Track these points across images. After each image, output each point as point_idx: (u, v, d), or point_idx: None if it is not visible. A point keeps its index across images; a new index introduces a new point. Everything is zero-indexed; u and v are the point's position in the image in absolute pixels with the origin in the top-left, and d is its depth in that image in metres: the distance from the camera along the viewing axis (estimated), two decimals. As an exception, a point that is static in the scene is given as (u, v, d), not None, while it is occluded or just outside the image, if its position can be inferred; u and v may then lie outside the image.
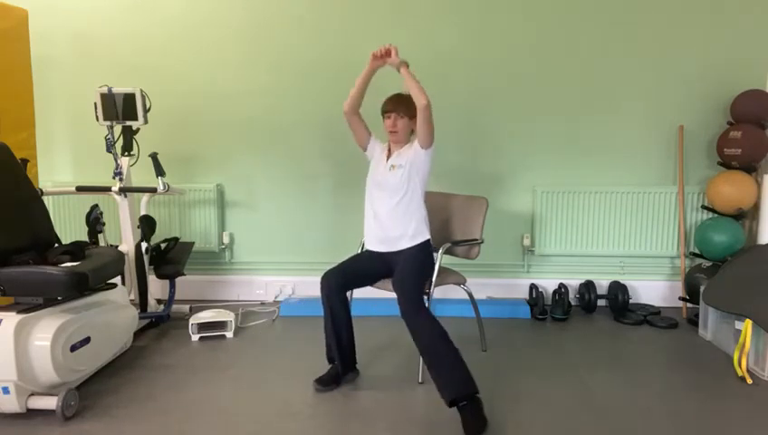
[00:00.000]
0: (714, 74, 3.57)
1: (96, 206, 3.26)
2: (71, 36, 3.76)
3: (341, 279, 2.53)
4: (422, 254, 2.60)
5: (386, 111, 2.63)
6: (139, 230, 3.26)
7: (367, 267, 2.64)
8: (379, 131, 2.71)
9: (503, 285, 3.81)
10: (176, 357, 2.86)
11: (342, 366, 2.56)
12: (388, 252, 2.64)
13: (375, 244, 2.70)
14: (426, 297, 2.49)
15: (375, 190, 2.67)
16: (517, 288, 3.81)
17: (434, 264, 2.61)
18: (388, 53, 2.50)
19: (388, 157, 2.68)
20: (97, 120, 3.21)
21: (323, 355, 2.71)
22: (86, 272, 2.28)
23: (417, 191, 2.63)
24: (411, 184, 2.59)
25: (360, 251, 2.86)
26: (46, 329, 2.18)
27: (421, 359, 2.56)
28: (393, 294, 2.57)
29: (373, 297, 3.41)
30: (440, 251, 2.64)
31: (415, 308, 2.31)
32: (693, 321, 3.36)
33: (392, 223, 2.61)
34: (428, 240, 2.63)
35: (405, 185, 2.58)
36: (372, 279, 2.67)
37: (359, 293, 2.98)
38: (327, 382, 2.52)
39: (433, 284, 2.58)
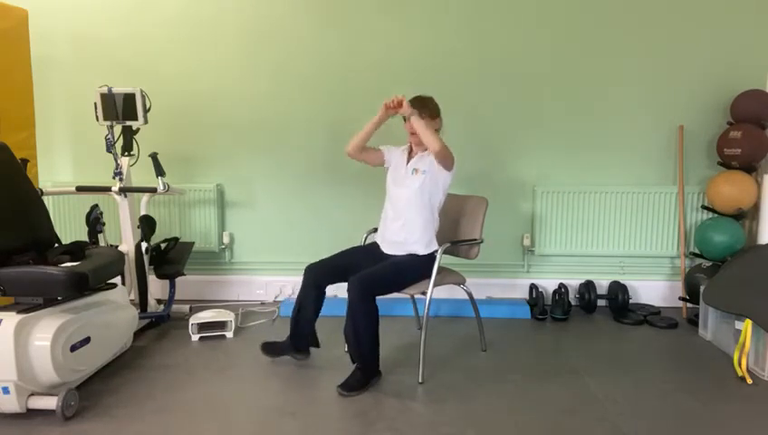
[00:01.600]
0: (714, 74, 3.57)
1: (96, 206, 3.26)
2: (71, 36, 3.76)
3: (322, 273, 2.64)
4: (418, 264, 2.61)
5: None
6: (139, 230, 3.26)
7: (364, 264, 2.62)
8: (393, 141, 2.72)
9: (503, 285, 3.81)
10: (176, 357, 2.86)
11: (298, 345, 2.73)
12: (391, 254, 2.67)
13: (383, 244, 2.73)
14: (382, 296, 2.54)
15: (394, 192, 2.69)
16: (517, 288, 3.81)
17: (425, 275, 2.61)
18: (399, 104, 2.54)
19: (409, 159, 2.69)
20: (97, 120, 3.21)
21: (323, 355, 2.72)
22: (86, 272, 2.28)
23: (436, 199, 2.66)
24: (432, 190, 2.63)
25: (363, 243, 2.88)
26: (46, 329, 2.18)
27: (421, 359, 2.58)
28: (393, 294, 2.58)
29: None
30: (440, 251, 2.64)
31: (365, 296, 2.40)
32: (693, 321, 3.36)
33: (404, 227, 2.63)
34: (432, 254, 2.64)
35: (425, 190, 2.61)
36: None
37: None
38: (274, 352, 2.74)
39: (432, 284, 2.58)
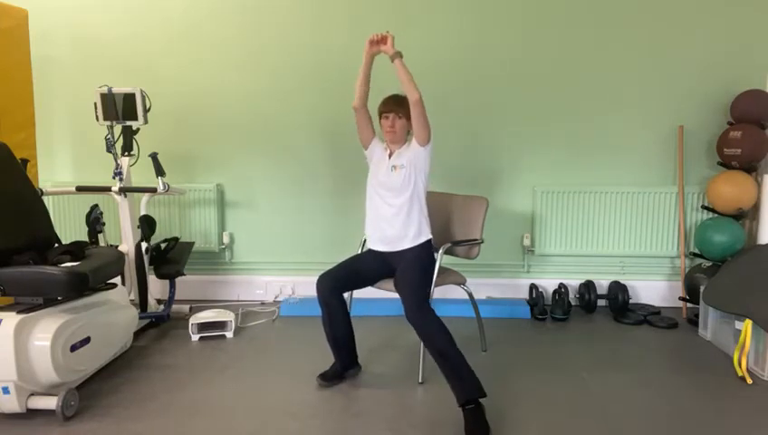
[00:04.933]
0: (714, 74, 3.57)
1: (96, 206, 3.26)
2: (71, 36, 3.76)
3: (335, 282, 2.55)
4: (424, 253, 2.60)
5: (384, 111, 2.63)
6: (139, 230, 3.26)
7: (366, 268, 2.64)
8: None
9: (503, 285, 3.81)
10: (176, 357, 2.86)
11: (341, 364, 2.59)
12: (389, 252, 2.65)
13: (377, 244, 2.70)
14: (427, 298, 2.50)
15: (378, 191, 2.67)
16: (517, 288, 3.81)
17: (434, 263, 2.60)
18: (383, 40, 2.48)
19: (390, 158, 2.68)
20: (97, 120, 3.21)
21: (323, 355, 2.72)
22: (86, 272, 2.29)
23: (420, 191, 2.63)
24: (414, 184, 2.59)
25: (360, 251, 2.86)
26: (46, 329, 2.18)
27: (421, 359, 2.58)
28: (393, 294, 2.58)
29: (373, 297, 3.41)
30: (440, 251, 2.64)
31: (422, 310, 2.31)
32: (693, 321, 3.36)
33: (395, 224, 2.62)
34: (430, 240, 2.64)
35: (408, 185, 2.58)
36: (372, 280, 2.67)
37: (359, 293, 2.98)
38: (330, 378, 2.55)
39: (433, 283, 2.58)
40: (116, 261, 2.61)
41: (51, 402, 2.17)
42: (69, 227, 3.83)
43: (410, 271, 2.50)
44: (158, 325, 3.36)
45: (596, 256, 3.73)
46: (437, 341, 2.27)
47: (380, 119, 2.64)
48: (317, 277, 2.56)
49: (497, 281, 3.81)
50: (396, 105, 2.60)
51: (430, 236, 2.65)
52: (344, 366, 2.60)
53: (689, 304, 3.55)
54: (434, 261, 2.61)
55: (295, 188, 3.81)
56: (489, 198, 2.91)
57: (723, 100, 3.57)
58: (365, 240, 2.98)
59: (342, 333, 2.57)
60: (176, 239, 3.47)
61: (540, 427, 2.16)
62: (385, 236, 2.67)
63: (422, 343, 2.32)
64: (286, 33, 3.69)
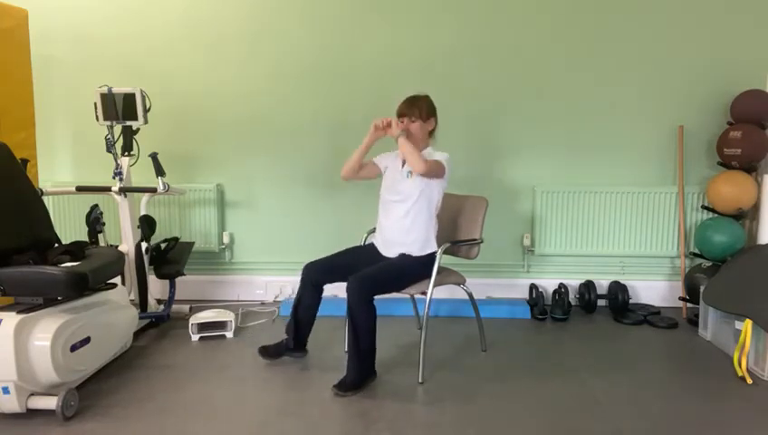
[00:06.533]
0: (714, 74, 3.57)
1: (96, 206, 3.26)
2: (71, 36, 3.76)
3: (319, 275, 2.65)
4: (416, 265, 2.61)
5: (400, 114, 2.66)
6: (139, 230, 3.26)
7: (359, 262, 2.62)
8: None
9: (503, 285, 3.81)
10: (176, 357, 2.86)
11: (288, 345, 2.73)
12: (389, 256, 2.67)
13: (381, 246, 2.73)
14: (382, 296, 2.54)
15: (388, 195, 2.70)
16: (517, 288, 3.81)
17: (424, 275, 2.60)
18: (389, 125, 2.58)
19: (404, 162, 2.69)
20: (97, 120, 3.21)
21: (323, 355, 2.71)
22: (86, 272, 2.28)
23: (432, 201, 2.65)
24: (427, 192, 2.62)
25: (362, 244, 2.88)
26: (46, 329, 2.18)
27: (421, 359, 2.58)
28: (393, 294, 2.58)
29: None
30: (440, 251, 2.64)
31: (364, 296, 2.41)
32: (693, 321, 3.36)
33: (395, 229, 2.64)
34: (432, 253, 2.64)
35: (419, 192, 2.61)
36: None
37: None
38: (272, 353, 2.72)
39: (432, 284, 2.58)
40: (116, 261, 2.61)
41: (51, 402, 2.17)
42: (69, 227, 3.83)
43: (387, 266, 2.58)
44: (158, 325, 3.35)
45: (596, 256, 3.73)
46: (361, 332, 2.41)
47: (399, 118, 2.69)
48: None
49: (497, 281, 3.81)
50: (408, 108, 2.63)
51: (434, 250, 2.65)
52: (289, 348, 2.73)
53: (689, 304, 3.55)
54: (425, 273, 2.60)
55: (295, 187, 3.81)
56: (489, 198, 2.90)
57: (723, 100, 3.57)
58: (366, 236, 2.99)
59: (306, 320, 2.71)
60: (176, 239, 3.47)
61: (540, 427, 2.16)
62: (384, 239, 2.69)
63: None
64: (286, 33, 3.69)
